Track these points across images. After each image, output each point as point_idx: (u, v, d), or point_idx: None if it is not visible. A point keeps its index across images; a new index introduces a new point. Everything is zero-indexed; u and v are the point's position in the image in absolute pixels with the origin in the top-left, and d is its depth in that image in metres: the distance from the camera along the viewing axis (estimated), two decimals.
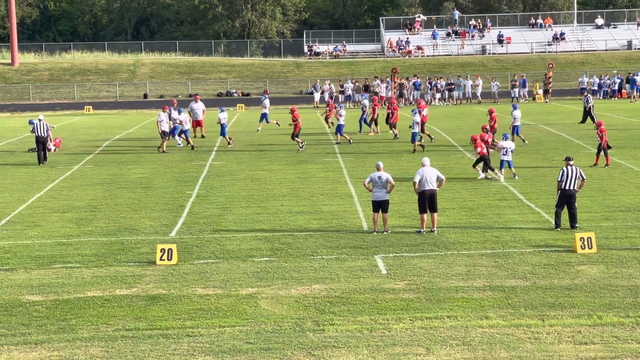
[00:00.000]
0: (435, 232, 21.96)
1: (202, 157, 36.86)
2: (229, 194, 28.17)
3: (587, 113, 45.66)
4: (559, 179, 21.83)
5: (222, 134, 40.35)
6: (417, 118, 36.45)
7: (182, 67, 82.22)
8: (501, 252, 20.01)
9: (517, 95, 64.33)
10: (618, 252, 19.74)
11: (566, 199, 21.83)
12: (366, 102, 45.34)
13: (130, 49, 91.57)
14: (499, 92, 65.00)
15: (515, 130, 37.32)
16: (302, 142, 38.26)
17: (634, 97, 63.02)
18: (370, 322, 15.18)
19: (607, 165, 31.47)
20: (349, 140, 39.85)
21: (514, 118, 37.34)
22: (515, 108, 37.82)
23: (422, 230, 22.00)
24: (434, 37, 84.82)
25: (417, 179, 22.00)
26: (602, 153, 31.66)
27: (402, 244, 20.92)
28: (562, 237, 21.26)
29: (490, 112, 36.75)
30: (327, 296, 16.80)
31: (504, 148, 29.23)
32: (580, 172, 22.00)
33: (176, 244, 20.40)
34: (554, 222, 22.17)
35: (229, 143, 39.97)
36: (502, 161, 29.40)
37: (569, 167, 21.82)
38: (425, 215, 22.00)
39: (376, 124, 43.76)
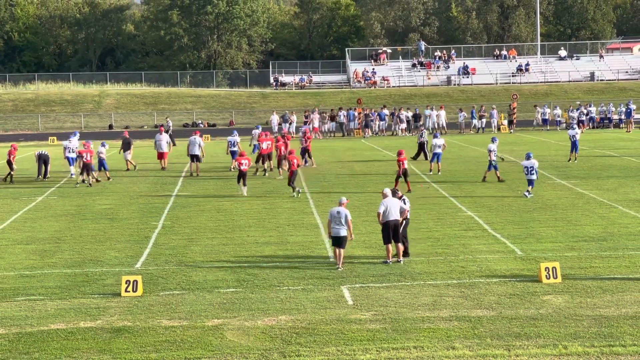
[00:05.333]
0: (402, 262, 21.99)
1: (168, 188, 36.72)
2: (195, 225, 28.05)
3: (421, 148, 45.00)
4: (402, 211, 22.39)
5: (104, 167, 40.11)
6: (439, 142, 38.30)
7: (147, 98, 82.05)
8: (467, 282, 20.07)
9: (482, 126, 64.82)
10: (582, 282, 19.87)
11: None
12: (256, 132, 44.96)
13: (96, 80, 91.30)
14: (465, 123, 65.36)
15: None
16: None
17: (629, 126, 62.99)
18: (337, 353, 15.13)
19: (408, 191, 32.98)
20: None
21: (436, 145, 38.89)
22: (435, 137, 39.46)
23: (388, 261, 22.01)
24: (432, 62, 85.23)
25: (381, 210, 22.01)
26: (401, 179, 33.68)
27: (368, 274, 20.92)
28: (527, 267, 21.37)
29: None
30: (294, 327, 16.74)
31: (525, 167, 31.82)
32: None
33: (141, 276, 20.26)
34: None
35: (108, 178, 39.61)
36: (528, 180, 32.04)
37: (404, 199, 22.82)
38: (390, 246, 22.01)
39: (310, 157, 43.45)
